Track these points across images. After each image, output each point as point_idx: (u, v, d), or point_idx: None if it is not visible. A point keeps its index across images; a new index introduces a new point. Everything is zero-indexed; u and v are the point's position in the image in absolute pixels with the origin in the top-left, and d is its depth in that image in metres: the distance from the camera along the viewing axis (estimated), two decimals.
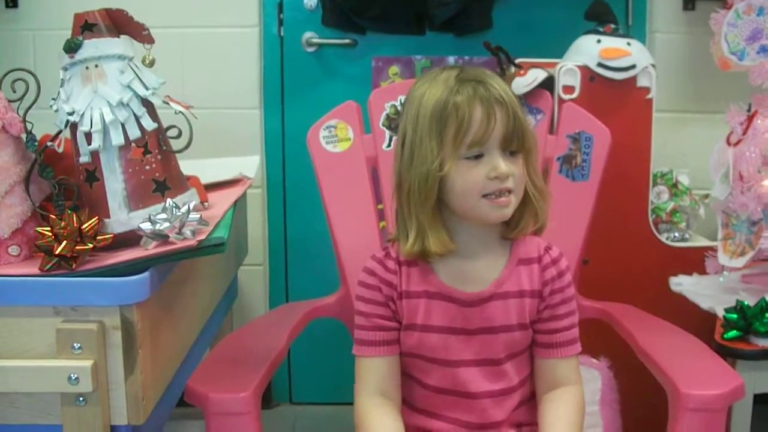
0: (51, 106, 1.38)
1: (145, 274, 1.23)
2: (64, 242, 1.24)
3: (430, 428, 1.36)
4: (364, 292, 1.35)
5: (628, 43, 2.05)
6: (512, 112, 1.23)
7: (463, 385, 1.33)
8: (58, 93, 1.37)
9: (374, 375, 1.34)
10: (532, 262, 1.33)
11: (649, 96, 2.04)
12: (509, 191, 1.25)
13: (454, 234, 1.30)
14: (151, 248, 1.30)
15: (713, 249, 1.95)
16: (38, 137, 1.37)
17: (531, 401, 1.39)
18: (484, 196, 1.24)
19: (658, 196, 2.22)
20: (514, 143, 1.24)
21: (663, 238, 2.14)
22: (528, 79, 1.92)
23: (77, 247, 1.25)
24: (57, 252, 1.24)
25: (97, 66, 1.35)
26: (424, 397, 1.37)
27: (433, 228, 1.27)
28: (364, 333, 1.34)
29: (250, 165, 2.01)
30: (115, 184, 1.35)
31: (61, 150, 1.38)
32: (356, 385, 1.35)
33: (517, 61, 2.03)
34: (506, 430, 1.35)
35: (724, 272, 1.94)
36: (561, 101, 1.97)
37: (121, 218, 1.35)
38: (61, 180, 1.35)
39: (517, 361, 1.35)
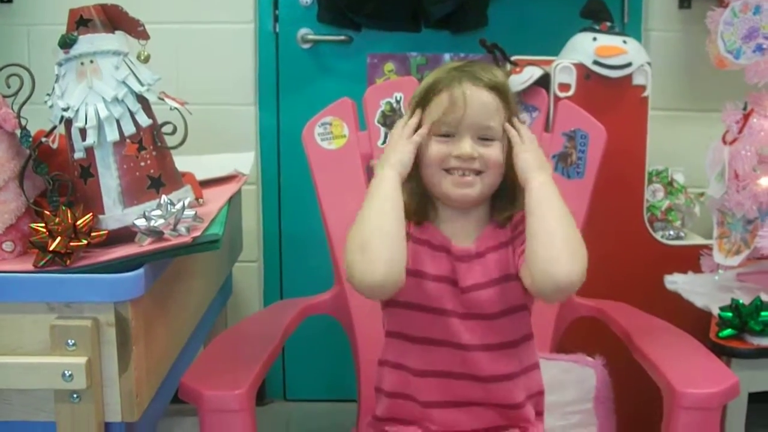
0: (45, 102, 1.37)
1: (140, 271, 1.23)
2: (59, 238, 1.24)
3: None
4: None
5: (624, 41, 2.05)
6: (484, 102, 1.29)
7: (455, 335, 1.33)
8: (53, 88, 1.37)
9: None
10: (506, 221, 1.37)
11: (645, 94, 2.04)
12: (477, 172, 1.29)
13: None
14: (145, 245, 1.30)
15: (708, 247, 1.96)
16: (33, 133, 1.36)
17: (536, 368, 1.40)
18: (447, 170, 1.29)
19: (654, 195, 2.22)
20: (486, 132, 1.29)
21: (658, 236, 2.14)
22: (524, 77, 1.92)
23: (71, 244, 1.25)
24: (51, 248, 1.24)
25: (92, 62, 1.35)
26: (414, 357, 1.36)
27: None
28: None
29: (245, 161, 2.01)
30: (109, 180, 1.35)
31: (55, 146, 1.38)
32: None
33: (513, 58, 2.04)
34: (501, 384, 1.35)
35: (719, 271, 1.94)
36: (557, 99, 1.97)
37: (115, 214, 1.35)
38: (56, 176, 1.35)
39: (515, 318, 1.35)
